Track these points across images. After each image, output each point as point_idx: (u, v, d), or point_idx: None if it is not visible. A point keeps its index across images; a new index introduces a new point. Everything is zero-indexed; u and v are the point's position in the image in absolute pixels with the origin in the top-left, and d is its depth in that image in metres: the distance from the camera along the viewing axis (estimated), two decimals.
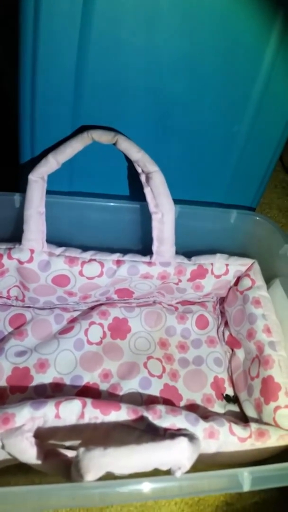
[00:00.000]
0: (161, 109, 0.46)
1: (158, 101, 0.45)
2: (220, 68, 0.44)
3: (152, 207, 0.47)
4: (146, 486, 0.32)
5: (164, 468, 0.31)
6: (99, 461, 0.29)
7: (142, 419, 0.38)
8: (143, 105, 0.45)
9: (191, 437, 0.33)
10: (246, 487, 0.34)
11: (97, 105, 0.45)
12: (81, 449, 0.30)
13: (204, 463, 0.42)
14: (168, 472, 0.32)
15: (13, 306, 0.53)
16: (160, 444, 0.31)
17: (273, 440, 0.41)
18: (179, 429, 0.38)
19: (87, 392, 0.47)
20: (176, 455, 0.31)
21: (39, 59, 0.41)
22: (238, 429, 0.41)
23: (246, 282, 0.53)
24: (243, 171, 0.53)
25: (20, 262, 0.47)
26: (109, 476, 0.31)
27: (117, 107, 0.45)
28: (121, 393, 0.48)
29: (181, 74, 0.43)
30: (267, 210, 0.87)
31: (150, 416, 0.38)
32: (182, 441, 0.31)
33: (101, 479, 0.30)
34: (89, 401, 0.38)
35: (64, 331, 0.51)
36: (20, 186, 0.46)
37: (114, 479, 0.31)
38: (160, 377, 0.50)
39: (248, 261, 0.54)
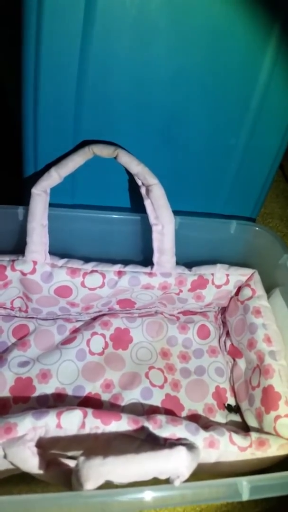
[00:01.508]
0: (160, 123, 0.47)
1: (156, 115, 0.46)
2: (216, 82, 0.45)
3: (152, 219, 0.48)
4: (146, 495, 0.32)
5: (163, 477, 0.32)
6: (98, 470, 0.30)
7: (142, 429, 0.39)
8: (142, 119, 0.46)
9: (189, 446, 0.33)
10: (245, 496, 0.34)
11: (97, 120, 0.46)
12: (81, 458, 0.30)
13: (205, 472, 0.42)
14: (168, 481, 0.32)
15: (16, 317, 0.54)
16: (158, 453, 0.31)
17: (274, 449, 0.41)
18: (179, 439, 0.38)
19: (89, 402, 0.48)
20: (174, 464, 0.31)
21: (41, 76, 0.42)
22: (238, 438, 0.41)
23: (247, 292, 0.54)
24: (242, 182, 0.54)
25: (23, 274, 0.48)
26: (109, 485, 0.31)
27: (117, 122, 0.46)
28: (122, 404, 0.48)
29: (178, 88, 0.44)
30: (269, 220, 0.88)
31: (151, 426, 0.39)
32: (181, 450, 0.32)
33: (101, 488, 0.31)
34: (90, 411, 0.38)
35: (67, 341, 0.52)
36: (24, 199, 0.47)
37: (115, 488, 0.32)
38: (161, 387, 0.50)
39: (248, 271, 0.55)
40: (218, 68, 0.44)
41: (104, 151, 0.45)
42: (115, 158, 0.46)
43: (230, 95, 0.46)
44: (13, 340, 0.51)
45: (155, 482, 0.32)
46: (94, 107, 0.45)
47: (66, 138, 0.47)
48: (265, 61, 0.44)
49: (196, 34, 0.41)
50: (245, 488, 0.34)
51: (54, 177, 0.45)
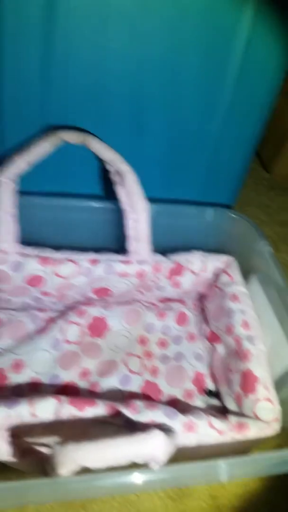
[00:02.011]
0: (129, 109, 0.46)
1: (124, 100, 0.45)
2: (187, 65, 0.44)
3: (126, 206, 0.47)
4: (122, 479, 0.32)
5: (140, 461, 0.31)
6: (72, 455, 0.29)
7: (119, 414, 0.38)
8: (110, 104, 0.45)
9: (166, 430, 0.33)
10: (223, 478, 0.34)
11: (66, 105, 0.45)
12: (55, 444, 0.30)
13: (185, 458, 0.42)
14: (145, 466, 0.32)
15: None
16: (134, 438, 0.31)
17: (253, 432, 0.41)
18: (157, 424, 0.38)
19: (66, 391, 0.47)
20: (150, 448, 0.31)
21: (5, 59, 0.41)
22: (217, 422, 0.41)
23: (224, 278, 0.54)
24: (217, 169, 0.54)
25: None
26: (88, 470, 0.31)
27: (83, 108, 0.45)
28: (101, 391, 0.47)
29: (145, 72, 0.44)
30: (247, 207, 0.88)
31: (128, 412, 0.38)
32: (156, 434, 0.31)
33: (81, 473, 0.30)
34: (64, 398, 0.37)
35: (41, 331, 0.51)
36: None
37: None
38: (140, 373, 0.50)
39: (225, 258, 0.55)
40: (188, 50, 0.43)
41: (72, 138, 0.44)
42: (85, 144, 0.45)
43: (202, 79, 0.45)
44: None
45: (133, 466, 0.32)
46: (59, 90, 0.43)
47: (33, 124, 0.45)
48: (237, 44, 0.43)
49: (161, 12, 0.40)
50: (223, 469, 0.34)
51: (21, 164, 0.44)
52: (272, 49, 0.44)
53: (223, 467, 0.34)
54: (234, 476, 0.34)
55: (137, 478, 0.32)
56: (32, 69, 0.42)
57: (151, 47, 0.42)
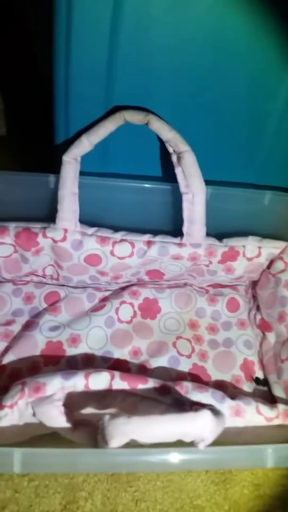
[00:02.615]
0: (194, 87, 0.45)
1: (190, 79, 0.45)
2: (252, 43, 0.43)
3: (183, 188, 0.47)
4: (171, 456, 0.33)
5: (187, 439, 0.32)
6: (123, 428, 0.30)
7: (168, 393, 0.39)
8: (175, 83, 0.45)
9: (215, 411, 0.33)
10: (270, 464, 0.34)
11: (129, 85, 0.45)
12: (106, 416, 0.31)
13: (230, 442, 0.42)
14: (192, 444, 0.32)
15: (48, 284, 0.55)
16: (183, 415, 0.31)
17: None
18: (205, 405, 0.38)
19: (117, 367, 0.48)
20: (199, 427, 0.31)
21: (72, 40, 0.41)
22: (265, 409, 0.41)
23: (279, 265, 0.53)
24: (278, 151, 0.52)
25: (54, 241, 0.48)
26: (135, 445, 0.32)
27: (149, 87, 0.45)
28: (150, 370, 0.49)
29: (211, 50, 0.43)
30: None
31: (177, 391, 0.39)
32: (206, 413, 0.32)
33: (127, 447, 0.32)
34: (117, 373, 0.39)
35: (96, 309, 0.53)
36: (55, 167, 0.48)
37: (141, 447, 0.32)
38: (189, 356, 0.51)
39: (281, 244, 0.53)
40: (258, 29, 0.42)
41: (135, 117, 0.44)
42: (147, 124, 0.45)
43: (267, 57, 0.44)
44: (45, 305, 0.53)
45: (180, 445, 0.33)
46: (126, 71, 0.44)
47: (98, 105, 0.46)
48: None
49: None
50: (269, 455, 0.34)
51: (85, 144, 0.45)
52: None
53: (269, 452, 0.34)
54: (279, 463, 0.34)
55: (183, 456, 0.33)
56: (99, 48, 0.42)
57: (225, 22, 0.41)
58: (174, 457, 0.33)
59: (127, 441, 0.31)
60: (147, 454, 0.33)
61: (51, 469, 0.34)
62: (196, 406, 0.38)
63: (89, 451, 0.33)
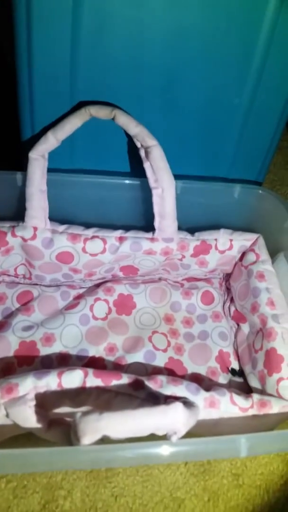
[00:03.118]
0: (159, 82, 0.45)
1: (155, 74, 0.45)
2: (216, 37, 0.43)
3: (152, 182, 0.47)
4: (143, 449, 0.33)
5: (160, 433, 0.32)
6: (95, 425, 0.30)
7: (143, 388, 0.39)
8: (140, 78, 0.45)
9: (188, 404, 0.34)
10: (244, 453, 0.34)
11: (94, 81, 0.45)
12: (78, 414, 0.31)
13: (205, 434, 0.42)
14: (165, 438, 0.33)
15: (21, 283, 0.54)
16: (155, 409, 0.31)
17: (275, 410, 0.41)
18: (179, 398, 0.39)
19: (93, 364, 0.48)
20: (171, 420, 0.32)
21: (34, 37, 0.41)
22: (239, 399, 0.41)
23: (251, 257, 0.53)
24: (246, 144, 0.53)
25: (24, 240, 0.48)
26: (109, 441, 0.32)
27: (114, 82, 0.45)
28: (126, 366, 0.48)
29: (177, 45, 0.43)
30: (278, 186, 0.86)
31: (151, 385, 0.39)
32: (177, 406, 0.32)
33: (102, 443, 0.31)
34: (90, 370, 0.39)
35: (70, 307, 0.52)
36: (23, 164, 0.47)
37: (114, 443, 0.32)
38: (164, 350, 0.51)
39: (252, 236, 0.54)
40: (218, 23, 0.42)
41: (101, 112, 0.44)
42: (113, 119, 0.45)
43: (231, 52, 0.44)
44: (17, 305, 0.52)
45: (153, 438, 0.33)
46: (90, 66, 0.43)
47: (63, 100, 0.46)
48: (267, 13, 0.42)
49: None
50: (243, 445, 0.35)
51: (51, 140, 0.45)
52: None
53: (243, 442, 0.35)
54: (254, 452, 0.35)
55: (157, 449, 0.33)
56: (61, 45, 0.41)
57: (186, 16, 0.41)
58: (149, 450, 0.33)
59: (100, 437, 0.30)
60: (120, 449, 0.32)
61: (26, 469, 0.33)
62: (169, 400, 0.38)
63: (62, 449, 0.33)
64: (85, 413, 0.31)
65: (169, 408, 0.32)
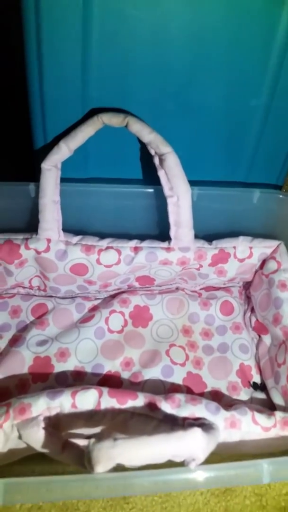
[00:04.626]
0: (174, 86, 0.44)
1: (170, 78, 0.43)
2: (233, 39, 0.41)
3: (167, 191, 0.46)
4: (160, 477, 0.31)
5: (178, 460, 0.30)
6: (108, 453, 0.29)
7: (160, 408, 0.37)
8: (155, 83, 0.43)
9: (206, 427, 0.32)
10: (266, 480, 0.32)
11: (106, 87, 0.43)
12: (91, 440, 0.29)
13: (228, 452, 0.40)
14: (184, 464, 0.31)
15: (35, 296, 0.53)
16: (172, 435, 0.30)
17: None
18: (198, 419, 0.37)
19: (109, 380, 0.47)
20: (189, 446, 0.30)
21: (44, 44, 0.40)
22: (261, 418, 0.39)
23: (272, 265, 0.51)
24: (265, 147, 0.51)
25: (38, 252, 0.47)
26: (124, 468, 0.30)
27: (128, 87, 0.43)
28: (142, 382, 0.47)
29: (190, 47, 0.41)
30: None
31: (169, 405, 0.37)
32: (196, 432, 0.30)
33: (115, 470, 0.30)
34: (105, 390, 0.37)
35: (85, 320, 0.51)
36: (36, 175, 0.46)
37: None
38: (183, 364, 0.49)
39: (273, 243, 0.52)
40: (235, 24, 0.40)
41: (113, 120, 0.43)
42: (126, 127, 0.43)
43: (248, 53, 0.42)
44: (32, 318, 0.51)
45: (171, 464, 0.31)
46: (101, 73, 0.42)
47: (74, 109, 0.44)
48: (284, 13, 0.40)
49: None
50: (266, 470, 0.33)
51: (64, 150, 0.44)
52: None
53: (265, 468, 0.33)
54: (277, 477, 0.33)
55: (174, 476, 0.31)
56: (72, 52, 0.40)
57: (205, 16, 0.39)
58: (166, 478, 0.32)
59: (114, 465, 0.29)
60: (137, 477, 0.31)
61: (35, 499, 0.32)
62: (188, 421, 0.36)
63: (75, 477, 0.31)
64: (98, 440, 0.29)
65: (187, 434, 0.30)
